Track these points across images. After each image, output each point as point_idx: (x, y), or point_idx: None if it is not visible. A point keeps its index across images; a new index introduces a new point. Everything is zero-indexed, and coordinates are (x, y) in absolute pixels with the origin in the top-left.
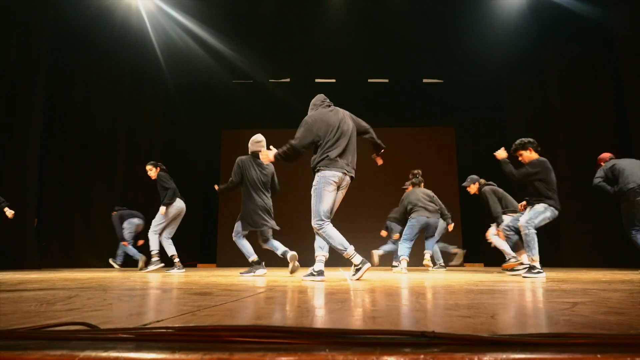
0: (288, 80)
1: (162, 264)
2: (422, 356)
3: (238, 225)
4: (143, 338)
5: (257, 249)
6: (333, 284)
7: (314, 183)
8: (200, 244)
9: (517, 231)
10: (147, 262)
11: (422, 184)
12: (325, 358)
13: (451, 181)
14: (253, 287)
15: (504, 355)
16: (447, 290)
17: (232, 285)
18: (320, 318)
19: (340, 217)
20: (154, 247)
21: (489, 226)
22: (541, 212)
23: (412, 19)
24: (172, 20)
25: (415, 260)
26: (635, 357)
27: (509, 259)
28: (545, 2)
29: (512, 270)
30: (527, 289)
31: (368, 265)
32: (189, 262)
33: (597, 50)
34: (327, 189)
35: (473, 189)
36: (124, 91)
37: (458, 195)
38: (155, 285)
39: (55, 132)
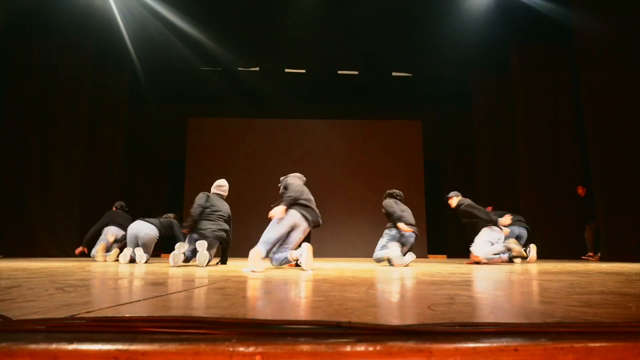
0: (257, 69)
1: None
2: (324, 345)
3: None
4: (54, 329)
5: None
6: (289, 274)
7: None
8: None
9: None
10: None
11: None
12: (226, 348)
13: (417, 173)
14: (209, 279)
15: (413, 344)
16: (401, 282)
17: (190, 276)
18: (256, 308)
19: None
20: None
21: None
22: None
23: (382, 12)
24: (139, 3)
25: None
26: (535, 343)
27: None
28: (511, 0)
29: None
30: (476, 280)
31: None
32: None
33: (558, 48)
34: None
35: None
36: (86, 75)
37: (423, 187)
38: (110, 276)
39: (11, 117)
